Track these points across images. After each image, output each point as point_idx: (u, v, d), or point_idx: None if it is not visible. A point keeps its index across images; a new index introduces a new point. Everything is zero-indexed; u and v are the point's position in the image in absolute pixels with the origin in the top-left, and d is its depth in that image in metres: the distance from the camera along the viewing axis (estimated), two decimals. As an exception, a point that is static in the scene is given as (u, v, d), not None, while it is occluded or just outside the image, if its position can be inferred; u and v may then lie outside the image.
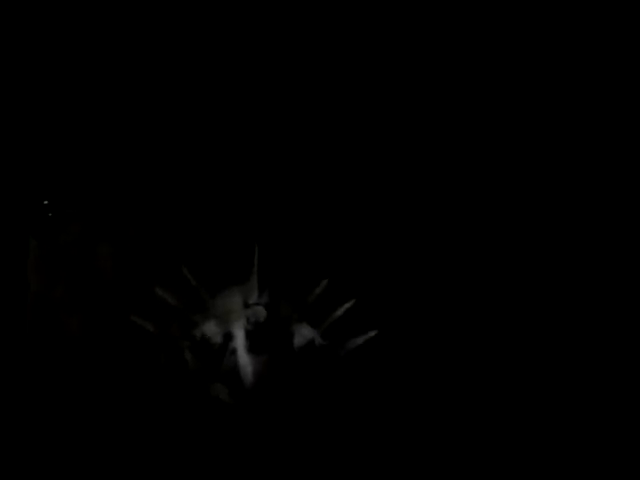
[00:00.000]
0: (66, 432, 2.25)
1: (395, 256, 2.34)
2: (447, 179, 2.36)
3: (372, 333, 2.28)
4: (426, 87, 2.35)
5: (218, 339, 2.25)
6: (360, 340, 2.27)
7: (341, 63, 2.36)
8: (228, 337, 2.25)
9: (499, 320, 2.32)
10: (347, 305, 2.29)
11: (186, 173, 2.37)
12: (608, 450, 2.22)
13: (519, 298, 2.32)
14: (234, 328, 2.25)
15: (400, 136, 2.38)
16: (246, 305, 2.27)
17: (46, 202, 2.02)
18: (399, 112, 2.38)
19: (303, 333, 2.26)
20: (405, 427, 2.27)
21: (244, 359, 2.23)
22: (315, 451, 2.23)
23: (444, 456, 2.25)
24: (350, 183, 2.37)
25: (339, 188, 2.37)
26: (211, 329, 2.26)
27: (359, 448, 2.25)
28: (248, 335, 2.25)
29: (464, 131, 2.37)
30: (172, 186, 2.37)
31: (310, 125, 2.38)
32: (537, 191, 2.35)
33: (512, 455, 2.25)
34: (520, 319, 2.32)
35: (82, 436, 2.25)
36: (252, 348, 2.24)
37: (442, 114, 2.36)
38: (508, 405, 2.28)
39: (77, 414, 2.26)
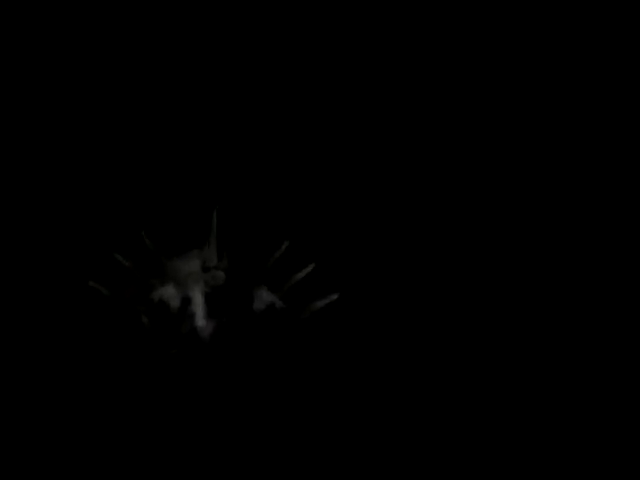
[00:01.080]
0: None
1: (355, 218, 2.33)
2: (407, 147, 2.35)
3: (333, 296, 2.27)
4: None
5: (176, 303, 2.23)
6: (321, 304, 2.26)
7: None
8: (186, 301, 2.23)
9: (459, 283, 2.31)
10: (307, 269, 2.27)
11: (144, 137, 2.34)
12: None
13: (479, 267, 2.32)
14: (193, 292, 2.23)
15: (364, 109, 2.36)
16: (205, 269, 2.25)
17: None
18: (376, 94, 2.36)
19: (263, 297, 2.24)
20: (363, 391, 2.26)
21: (202, 323, 2.21)
22: (274, 415, 2.22)
23: (402, 420, 2.25)
24: (309, 146, 2.35)
25: (298, 150, 2.35)
26: (169, 293, 2.23)
27: (318, 412, 2.24)
28: (207, 299, 2.23)
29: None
30: (130, 149, 2.34)
31: (266, 89, 2.36)
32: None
33: (491, 438, 2.25)
34: (483, 290, 2.31)
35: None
36: (211, 312, 2.22)
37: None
38: (467, 376, 2.27)
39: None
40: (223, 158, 2.34)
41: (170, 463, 2.18)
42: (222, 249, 2.27)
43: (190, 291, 2.23)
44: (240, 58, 2.35)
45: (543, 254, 2.32)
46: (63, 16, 2.33)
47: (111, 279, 2.28)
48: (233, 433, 2.20)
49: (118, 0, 2.33)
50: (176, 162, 2.35)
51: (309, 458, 2.20)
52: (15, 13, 2.33)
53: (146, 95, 2.35)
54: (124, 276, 2.28)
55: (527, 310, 2.29)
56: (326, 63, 2.36)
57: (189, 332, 2.21)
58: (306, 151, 2.35)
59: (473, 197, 2.33)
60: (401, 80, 2.36)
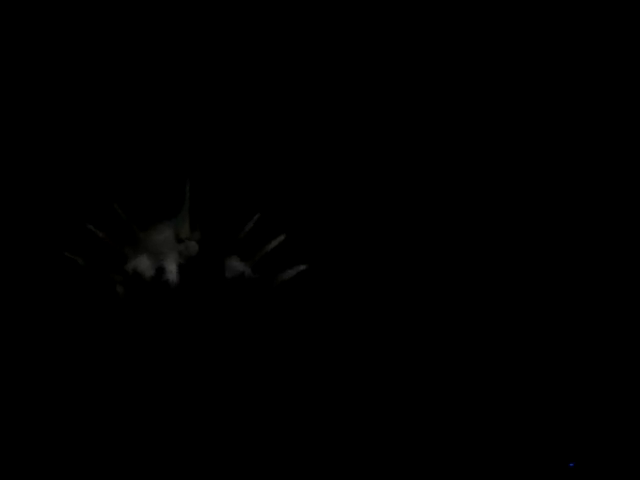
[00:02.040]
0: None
1: (325, 191, 2.36)
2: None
3: (302, 267, 2.31)
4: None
5: (150, 273, 2.26)
6: (290, 274, 2.30)
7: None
8: (160, 271, 2.26)
9: (424, 253, 2.35)
10: (278, 239, 2.31)
11: (117, 110, 2.36)
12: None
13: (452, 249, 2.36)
14: (166, 262, 2.26)
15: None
16: (178, 240, 2.28)
17: None
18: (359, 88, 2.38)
19: (234, 267, 2.28)
20: (330, 362, 2.30)
21: (176, 292, 2.24)
22: (245, 381, 2.26)
23: (358, 390, 2.29)
24: (280, 119, 2.38)
25: (270, 123, 2.37)
26: (143, 263, 2.27)
27: (289, 381, 2.28)
28: (180, 269, 2.26)
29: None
30: (103, 122, 2.36)
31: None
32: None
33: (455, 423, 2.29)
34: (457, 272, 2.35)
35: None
36: (184, 282, 2.26)
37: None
38: (436, 359, 2.32)
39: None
40: (196, 130, 2.37)
41: (143, 439, 2.22)
42: (195, 220, 2.30)
43: (164, 261, 2.26)
44: (206, 33, 2.37)
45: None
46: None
47: (86, 250, 2.31)
48: (206, 405, 2.24)
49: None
50: (149, 135, 2.37)
51: (279, 431, 2.25)
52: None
53: (118, 71, 2.36)
54: (99, 247, 2.31)
55: (500, 294, 2.33)
56: (300, 44, 2.37)
57: (164, 302, 2.24)
58: (277, 123, 2.37)
59: (437, 175, 2.37)
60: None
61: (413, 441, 2.26)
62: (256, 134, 2.37)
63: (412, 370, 2.30)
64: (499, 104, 2.37)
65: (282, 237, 2.31)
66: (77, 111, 2.36)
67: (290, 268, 2.31)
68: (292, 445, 2.25)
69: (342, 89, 2.38)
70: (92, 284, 2.28)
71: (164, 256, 2.26)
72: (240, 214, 2.33)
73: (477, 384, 2.29)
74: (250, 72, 2.38)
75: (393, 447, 2.26)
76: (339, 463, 2.24)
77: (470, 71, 2.37)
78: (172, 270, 2.25)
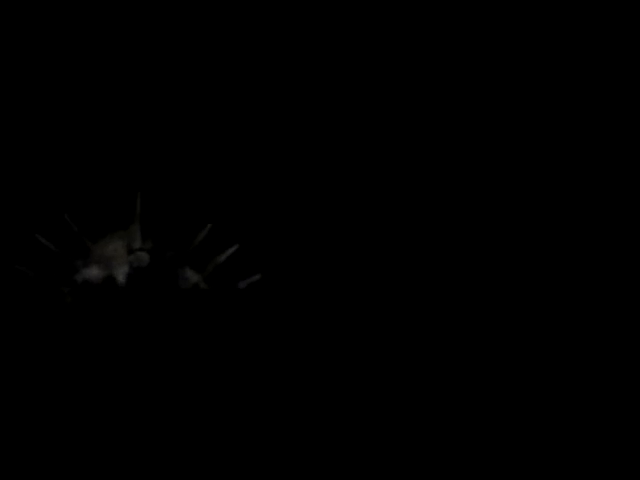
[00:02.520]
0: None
1: (279, 201, 2.35)
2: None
3: (255, 277, 2.29)
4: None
5: (100, 283, 2.24)
6: (243, 284, 2.28)
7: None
8: (110, 281, 2.24)
9: (384, 258, 2.34)
10: (231, 250, 2.29)
11: (68, 119, 2.34)
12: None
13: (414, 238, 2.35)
14: (116, 273, 2.24)
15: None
16: (129, 250, 2.26)
17: None
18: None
19: (187, 277, 2.26)
20: (286, 371, 2.29)
21: (126, 303, 2.22)
22: (198, 390, 2.24)
23: (328, 398, 2.28)
24: (229, 128, 2.36)
25: (221, 132, 2.36)
26: (93, 274, 2.24)
27: (242, 390, 2.26)
28: (130, 280, 2.24)
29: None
30: (53, 132, 2.34)
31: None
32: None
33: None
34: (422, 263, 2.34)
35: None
36: (135, 292, 2.24)
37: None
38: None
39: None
40: (146, 141, 2.35)
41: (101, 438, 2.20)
42: (146, 231, 2.28)
43: (114, 272, 2.24)
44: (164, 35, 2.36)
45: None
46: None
47: (35, 261, 2.28)
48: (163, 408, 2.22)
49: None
50: (100, 145, 2.35)
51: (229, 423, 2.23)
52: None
53: (69, 79, 2.34)
54: (48, 258, 2.28)
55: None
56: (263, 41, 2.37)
57: (113, 313, 2.22)
58: (227, 133, 2.36)
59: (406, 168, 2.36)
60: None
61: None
62: (206, 143, 2.35)
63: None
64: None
65: (235, 247, 2.29)
66: (26, 120, 2.33)
67: (244, 278, 2.29)
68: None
69: (302, 96, 2.37)
70: (41, 295, 2.25)
71: (114, 267, 2.24)
72: (192, 224, 2.31)
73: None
74: (202, 90, 2.36)
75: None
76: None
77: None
78: (122, 281, 2.23)
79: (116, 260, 2.25)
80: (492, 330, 2.30)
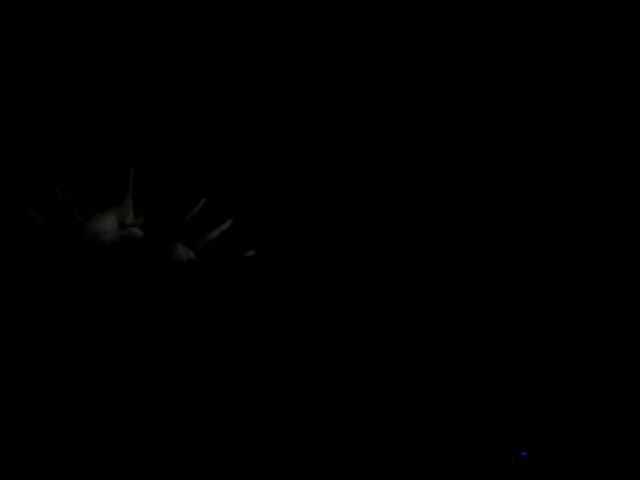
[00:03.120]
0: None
1: (272, 175, 2.35)
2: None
3: (249, 253, 2.29)
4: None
5: (92, 260, 2.23)
6: (237, 260, 2.28)
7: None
8: (103, 257, 2.23)
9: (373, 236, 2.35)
10: (224, 225, 2.29)
11: (59, 95, 2.33)
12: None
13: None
14: (109, 249, 2.23)
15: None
16: (122, 226, 2.25)
17: None
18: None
19: (179, 253, 2.25)
20: (278, 346, 2.28)
21: (119, 279, 2.21)
22: (192, 368, 2.23)
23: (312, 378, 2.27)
24: (225, 101, 2.37)
25: (216, 105, 2.36)
26: (85, 249, 2.23)
27: (235, 368, 2.26)
28: (123, 255, 2.23)
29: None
30: (47, 106, 2.33)
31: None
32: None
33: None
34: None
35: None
36: (128, 268, 2.22)
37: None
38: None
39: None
40: (140, 114, 2.35)
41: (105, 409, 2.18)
42: (139, 206, 2.27)
43: (107, 248, 2.23)
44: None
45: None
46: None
47: (29, 237, 2.27)
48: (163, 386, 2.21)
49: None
50: (92, 120, 2.34)
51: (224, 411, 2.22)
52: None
53: (67, 52, 2.34)
54: (41, 234, 2.27)
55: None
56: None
57: (107, 289, 2.21)
58: (223, 106, 2.36)
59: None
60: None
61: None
62: (200, 117, 2.35)
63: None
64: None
65: (229, 222, 2.29)
66: (17, 97, 2.32)
67: (237, 254, 2.29)
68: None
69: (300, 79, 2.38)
70: (37, 270, 2.24)
71: (107, 242, 2.23)
72: (185, 199, 2.31)
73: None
74: (200, 65, 2.36)
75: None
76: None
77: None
78: (115, 256, 2.22)
79: (109, 235, 2.23)
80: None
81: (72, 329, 2.21)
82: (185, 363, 2.22)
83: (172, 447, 2.18)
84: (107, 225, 2.25)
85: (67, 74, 2.34)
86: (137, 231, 2.24)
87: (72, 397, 2.19)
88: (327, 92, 2.37)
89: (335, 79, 2.37)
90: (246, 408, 2.22)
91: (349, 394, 2.26)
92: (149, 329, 2.22)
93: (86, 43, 2.34)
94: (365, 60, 2.38)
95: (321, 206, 2.35)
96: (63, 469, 2.14)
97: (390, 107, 2.37)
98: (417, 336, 2.30)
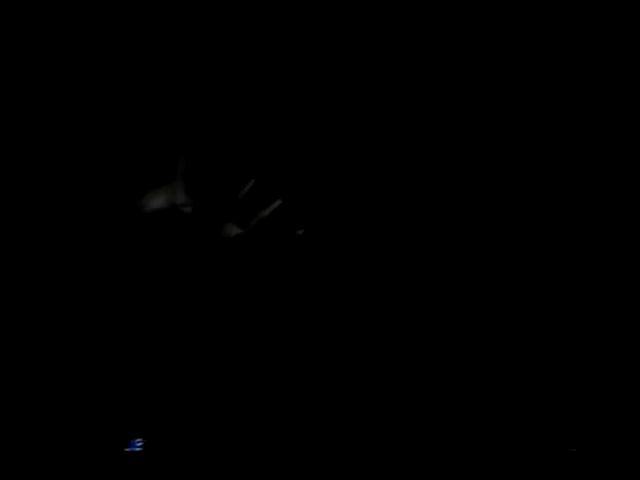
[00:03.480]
0: None
1: (324, 156, 2.35)
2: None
3: (299, 232, 2.30)
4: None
5: (142, 241, 2.25)
6: (286, 239, 2.29)
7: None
8: (153, 238, 2.25)
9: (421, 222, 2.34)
10: (274, 205, 2.29)
11: (110, 86, 2.35)
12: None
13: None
14: (159, 228, 2.25)
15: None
16: (172, 206, 2.27)
17: None
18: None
19: (229, 233, 2.27)
20: (329, 329, 2.29)
21: (169, 259, 2.23)
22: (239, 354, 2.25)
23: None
24: (274, 87, 2.37)
25: (265, 90, 2.36)
26: (136, 230, 2.26)
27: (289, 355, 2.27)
28: (173, 235, 2.25)
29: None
30: (107, 93, 2.35)
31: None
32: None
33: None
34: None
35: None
36: (177, 249, 2.25)
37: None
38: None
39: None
40: (190, 99, 2.36)
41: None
42: (189, 185, 2.29)
43: (157, 227, 2.25)
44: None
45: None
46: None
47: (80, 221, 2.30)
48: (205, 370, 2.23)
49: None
50: (141, 103, 2.35)
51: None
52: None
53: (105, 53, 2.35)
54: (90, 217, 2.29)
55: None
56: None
57: (156, 268, 2.24)
58: (272, 88, 2.36)
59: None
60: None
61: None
62: (252, 100, 2.35)
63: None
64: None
65: (278, 202, 2.29)
66: (69, 90, 2.35)
67: (287, 234, 2.29)
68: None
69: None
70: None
71: (157, 222, 2.25)
72: (235, 180, 2.32)
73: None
74: (244, 44, 2.37)
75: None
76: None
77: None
78: (165, 235, 2.24)
79: (160, 215, 2.26)
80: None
81: (120, 305, 2.24)
82: (228, 340, 2.24)
83: (177, 438, 2.21)
84: (158, 205, 2.27)
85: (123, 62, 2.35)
86: (187, 211, 2.26)
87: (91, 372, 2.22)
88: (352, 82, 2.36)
89: (344, 75, 2.36)
90: (252, 401, 2.24)
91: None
92: (198, 307, 2.24)
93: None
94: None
95: (366, 184, 2.35)
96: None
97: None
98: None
